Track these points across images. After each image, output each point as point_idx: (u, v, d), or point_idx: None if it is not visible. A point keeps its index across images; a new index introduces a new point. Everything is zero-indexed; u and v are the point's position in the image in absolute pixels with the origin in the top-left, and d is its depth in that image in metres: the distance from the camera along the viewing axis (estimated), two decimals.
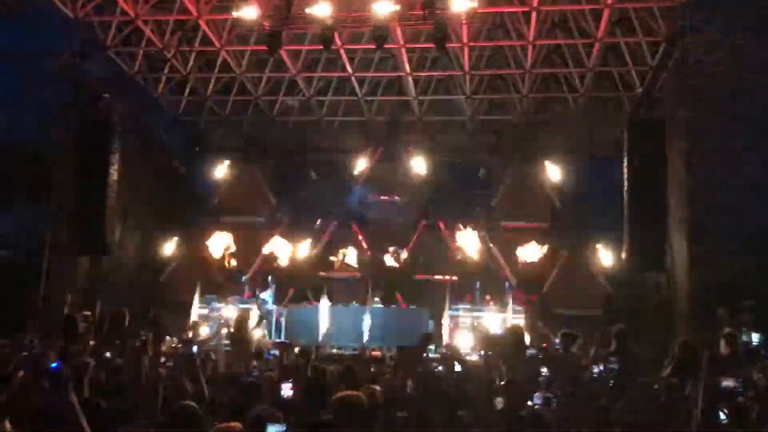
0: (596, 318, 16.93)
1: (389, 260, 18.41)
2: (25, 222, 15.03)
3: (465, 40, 15.89)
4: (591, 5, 14.49)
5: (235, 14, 14.91)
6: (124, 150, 15.73)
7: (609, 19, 14.67)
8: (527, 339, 8.33)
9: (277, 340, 15.31)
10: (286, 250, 18.50)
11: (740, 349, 7.85)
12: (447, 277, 17.92)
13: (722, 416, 3.93)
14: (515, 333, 8.03)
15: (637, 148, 14.40)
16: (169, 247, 19.03)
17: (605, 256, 17.45)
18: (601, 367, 6.45)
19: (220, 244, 18.10)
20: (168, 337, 13.94)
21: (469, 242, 18.22)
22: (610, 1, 13.89)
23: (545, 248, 17.90)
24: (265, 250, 18.16)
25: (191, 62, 17.74)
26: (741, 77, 13.56)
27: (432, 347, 12.09)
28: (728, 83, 13.58)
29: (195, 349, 6.38)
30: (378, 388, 5.13)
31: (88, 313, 14.40)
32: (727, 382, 5.37)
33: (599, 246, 17.62)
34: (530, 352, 5.76)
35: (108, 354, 5.50)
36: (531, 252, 17.83)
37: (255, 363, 8.38)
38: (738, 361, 7.68)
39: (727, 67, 13.59)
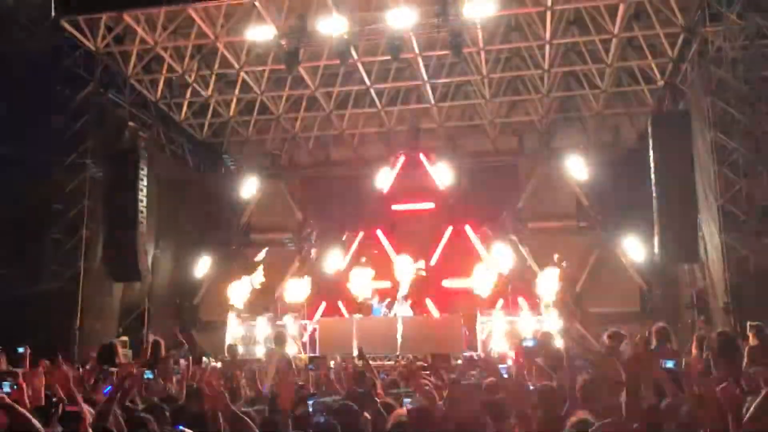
0: (632, 315, 16.76)
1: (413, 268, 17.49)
2: (62, 254, 15.30)
3: (481, 44, 15.90)
4: (606, 1, 14.41)
5: (251, 35, 15.14)
6: (152, 176, 15.99)
7: (625, 14, 14.59)
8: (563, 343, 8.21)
9: (311, 355, 15.34)
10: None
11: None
12: (477, 281, 17.81)
13: None
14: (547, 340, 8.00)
15: (662, 140, 14.26)
16: (202, 269, 19.21)
17: (637, 251, 17.22)
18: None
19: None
20: (204, 358, 14.14)
21: (497, 246, 18.08)
22: None
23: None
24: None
25: (212, 85, 18.01)
26: (764, 61, 13.40)
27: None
28: (751, 68, 13.41)
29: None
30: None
31: (125, 339, 14.69)
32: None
33: (630, 241, 17.41)
34: (579, 362, 5.62)
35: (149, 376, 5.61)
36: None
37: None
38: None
39: (749, 52, 13.43)
